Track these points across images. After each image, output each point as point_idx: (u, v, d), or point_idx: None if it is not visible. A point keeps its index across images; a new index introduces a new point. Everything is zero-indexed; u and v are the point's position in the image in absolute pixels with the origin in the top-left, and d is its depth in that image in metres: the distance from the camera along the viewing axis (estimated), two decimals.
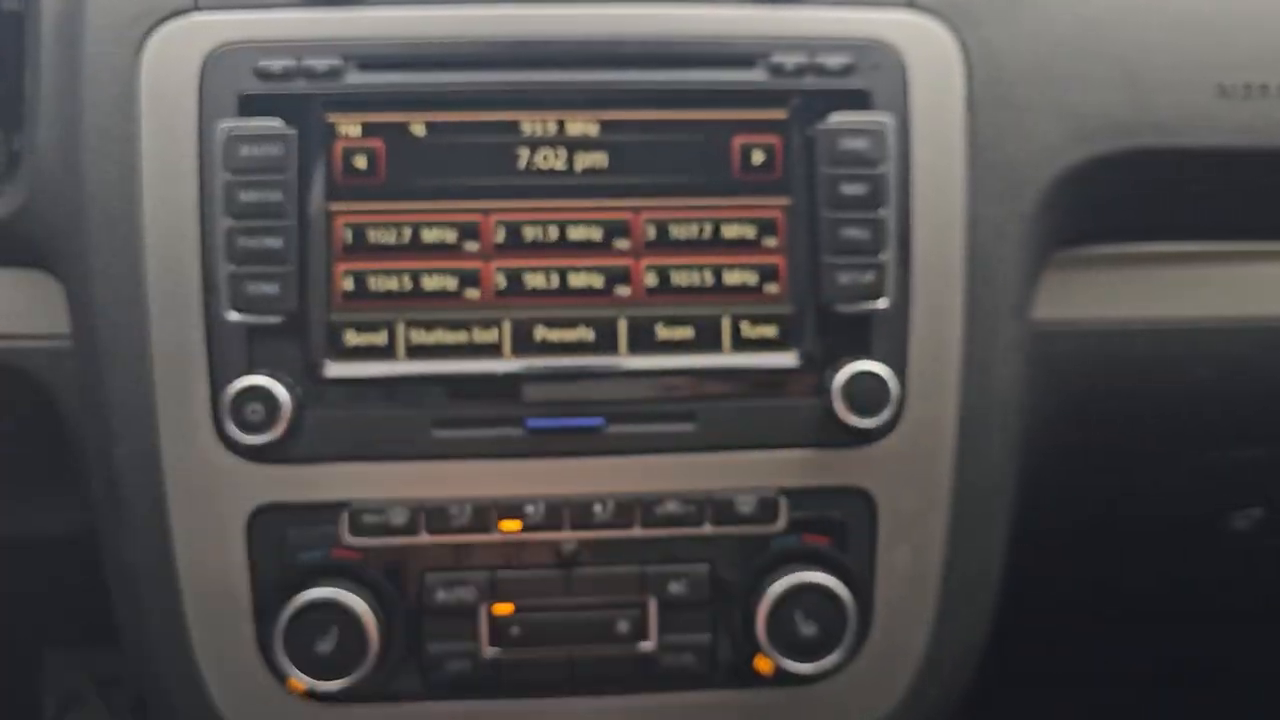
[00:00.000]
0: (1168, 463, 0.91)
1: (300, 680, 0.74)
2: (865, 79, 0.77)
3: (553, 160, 0.76)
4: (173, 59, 0.76)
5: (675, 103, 0.77)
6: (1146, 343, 0.84)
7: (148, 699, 0.80)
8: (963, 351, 0.77)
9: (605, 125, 0.77)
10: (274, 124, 0.75)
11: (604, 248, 0.76)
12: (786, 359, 0.76)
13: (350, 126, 0.76)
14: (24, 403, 0.82)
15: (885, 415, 0.74)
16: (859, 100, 0.77)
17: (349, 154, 0.76)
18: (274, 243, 0.75)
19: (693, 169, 0.77)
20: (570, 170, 0.76)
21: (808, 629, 0.75)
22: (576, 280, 0.76)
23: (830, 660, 0.75)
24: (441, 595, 0.76)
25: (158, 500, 0.75)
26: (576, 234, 0.76)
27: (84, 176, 0.75)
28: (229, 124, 0.75)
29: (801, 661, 0.75)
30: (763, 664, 0.77)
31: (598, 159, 0.76)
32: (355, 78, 0.76)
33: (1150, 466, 0.92)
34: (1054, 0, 0.81)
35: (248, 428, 0.73)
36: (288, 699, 0.75)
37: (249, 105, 0.75)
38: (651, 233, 0.76)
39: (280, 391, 0.73)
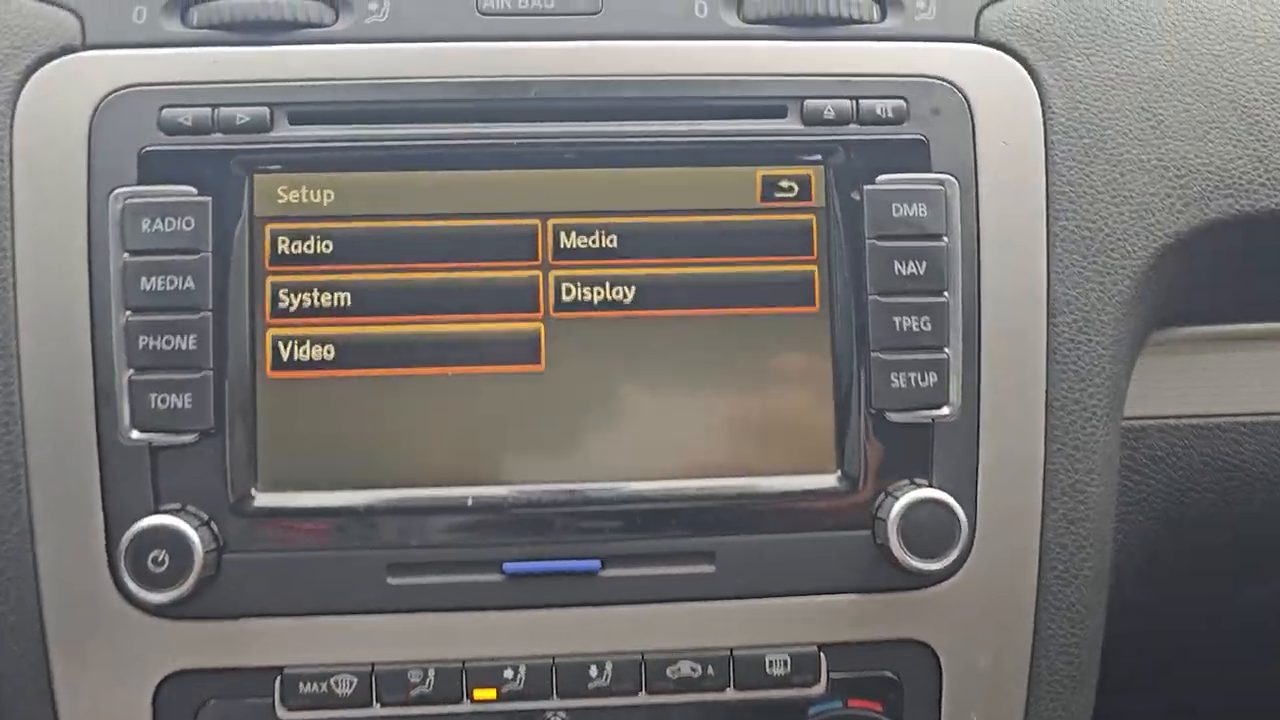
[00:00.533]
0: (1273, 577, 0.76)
1: None
2: (922, 127, 0.62)
3: (535, 239, 0.62)
4: (55, 108, 0.61)
5: (684, 159, 0.62)
6: (1256, 441, 0.69)
7: None
8: (1046, 470, 0.62)
9: (600, 189, 0.62)
10: (184, 190, 0.60)
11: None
12: (826, 480, 0.61)
13: (280, 192, 0.61)
14: None
15: (952, 556, 0.59)
16: (914, 155, 0.62)
17: (277, 234, 0.61)
18: (185, 341, 0.59)
19: (706, 247, 0.62)
20: (560, 247, 0.62)
21: None
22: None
23: None
24: None
25: (39, 667, 0.60)
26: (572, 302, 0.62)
27: None
28: (127, 190, 0.60)
29: None
30: None
31: (592, 239, 0.62)
32: (286, 131, 0.61)
33: (1255, 583, 0.77)
34: (1154, 26, 0.66)
35: (150, 581, 0.57)
36: None
37: (152, 166, 0.60)
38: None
39: (191, 535, 0.57)
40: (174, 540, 0.58)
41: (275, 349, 0.61)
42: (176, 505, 0.59)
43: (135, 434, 0.59)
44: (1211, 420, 0.69)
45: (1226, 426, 0.69)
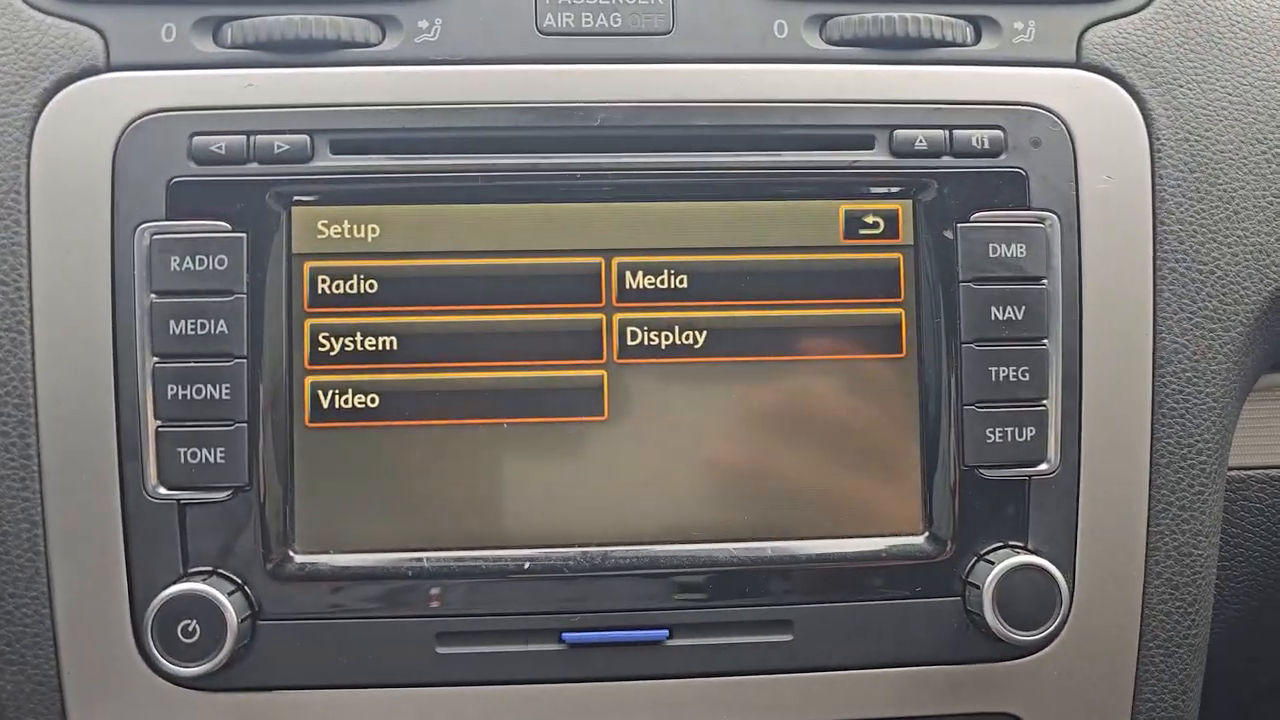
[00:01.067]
0: None
1: None
2: (1021, 160, 0.57)
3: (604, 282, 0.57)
4: (77, 134, 0.56)
5: (761, 192, 0.57)
6: None
7: None
8: (1149, 532, 0.57)
9: (669, 225, 0.57)
10: (216, 225, 0.55)
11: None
12: (914, 542, 0.57)
13: (321, 226, 0.56)
14: None
15: (1051, 626, 0.54)
16: (1013, 190, 0.57)
17: (317, 272, 0.56)
18: (217, 390, 0.55)
19: (783, 288, 0.57)
20: (625, 288, 0.57)
21: None
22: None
23: None
24: None
25: None
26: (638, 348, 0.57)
27: None
28: (154, 225, 0.55)
29: None
30: None
31: (660, 279, 0.57)
32: (328, 160, 0.56)
33: None
34: (1270, 51, 0.61)
35: (180, 654, 0.53)
36: None
37: (182, 198, 0.55)
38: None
39: (224, 602, 0.53)
40: (205, 608, 0.53)
41: (314, 398, 0.56)
42: (208, 569, 0.54)
43: (163, 491, 0.55)
44: None
45: None
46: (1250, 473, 0.64)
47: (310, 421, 0.56)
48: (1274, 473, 0.64)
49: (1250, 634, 0.69)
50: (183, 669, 0.53)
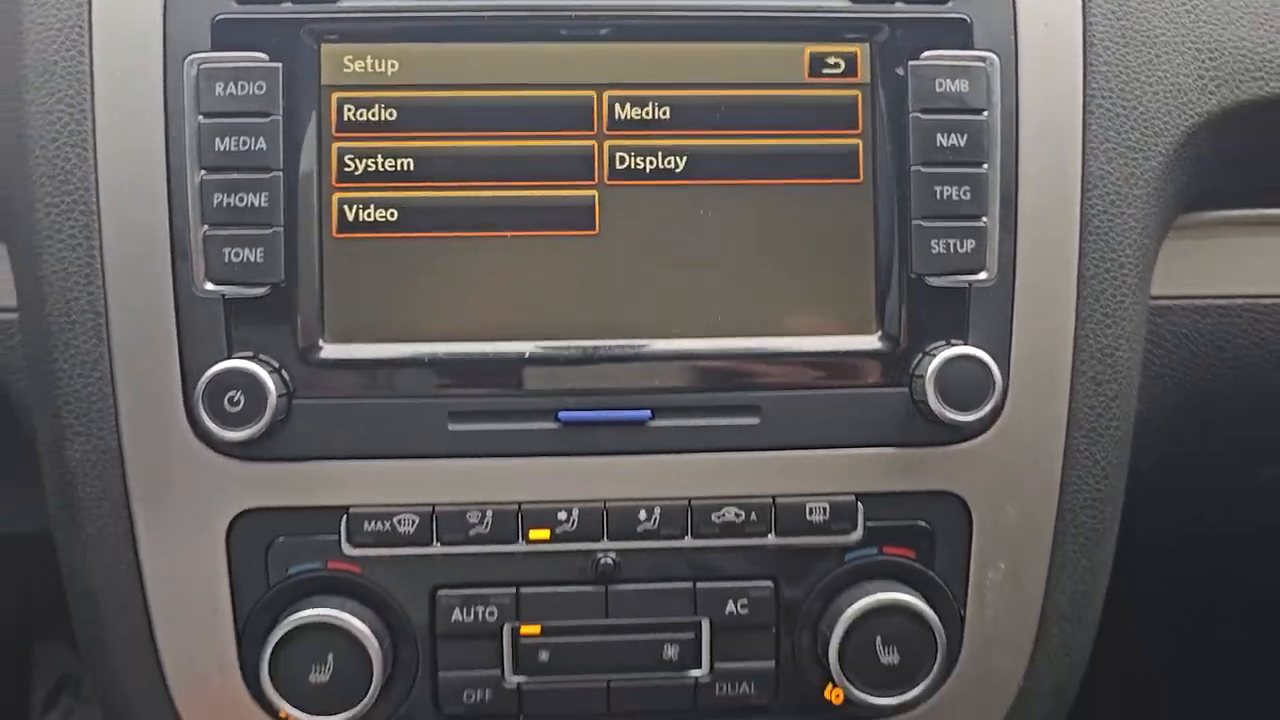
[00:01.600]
0: None
1: (292, 715, 0.63)
2: (965, 7, 0.65)
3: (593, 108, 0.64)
4: None
5: (736, 35, 0.65)
6: (1274, 321, 0.72)
7: None
8: (1076, 335, 0.65)
9: (654, 63, 0.64)
10: (255, 56, 0.62)
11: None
12: (868, 341, 0.64)
13: (347, 61, 0.64)
14: None
15: (986, 409, 0.62)
16: (958, 33, 0.64)
17: (343, 101, 0.63)
18: (257, 199, 0.62)
19: (755, 120, 0.64)
20: (615, 118, 0.64)
21: (888, 657, 0.64)
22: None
23: (913, 693, 0.64)
24: (458, 615, 0.64)
25: (120, 507, 0.63)
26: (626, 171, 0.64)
27: (26, 121, 0.63)
28: (201, 56, 0.62)
29: (880, 695, 0.64)
30: (835, 694, 0.66)
31: (645, 111, 0.64)
32: (353, 2, 0.63)
33: (1272, 463, 0.80)
34: None
35: (226, 420, 0.61)
36: None
37: (225, 33, 0.63)
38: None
39: (264, 377, 0.61)
40: (249, 382, 0.61)
41: (341, 211, 0.64)
42: (249, 354, 0.62)
43: (209, 286, 0.62)
44: (1233, 301, 0.72)
45: (1246, 307, 0.72)
46: (1173, 302, 0.72)
47: (337, 232, 0.64)
48: (1194, 302, 0.72)
49: (1178, 464, 0.77)
50: (229, 433, 0.61)
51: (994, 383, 0.62)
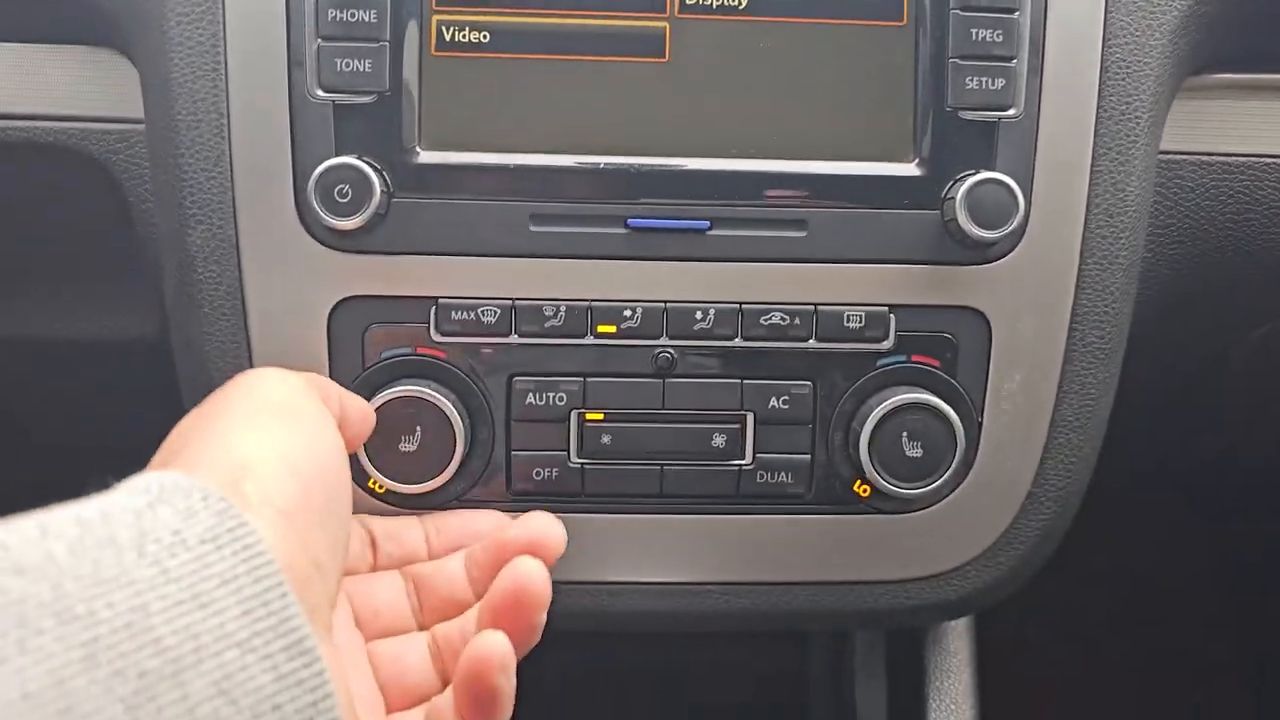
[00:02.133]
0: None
1: (380, 481, 0.71)
2: None
3: None
4: None
5: None
6: (1275, 179, 0.80)
7: None
8: (1093, 169, 0.72)
9: None
10: None
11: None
12: (906, 168, 0.72)
13: None
14: (89, 191, 0.78)
15: (1010, 227, 0.69)
16: None
17: None
18: (367, 15, 0.69)
19: None
20: None
21: (913, 451, 0.72)
22: None
23: (933, 485, 0.72)
24: (531, 400, 0.72)
25: (234, 289, 0.71)
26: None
27: None
28: None
29: (903, 485, 0.72)
30: (862, 489, 0.74)
31: None
32: None
33: (1259, 322, 0.87)
34: None
35: (336, 210, 0.68)
36: (369, 501, 0.72)
37: None
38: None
39: (370, 172, 0.68)
40: (356, 176, 0.68)
41: (439, 31, 0.71)
42: (354, 154, 0.70)
43: (320, 93, 0.70)
44: (1235, 158, 0.79)
45: (1248, 165, 0.79)
46: (1180, 156, 0.79)
47: (435, 50, 0.71)
48: (1202, 158, 0.79)
49: (1178, 316, 0.84)
50: (338, 222, 0.68)
51: (1017, 205, 0.69)
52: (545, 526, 0.67)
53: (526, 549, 0.65)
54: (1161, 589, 1.57)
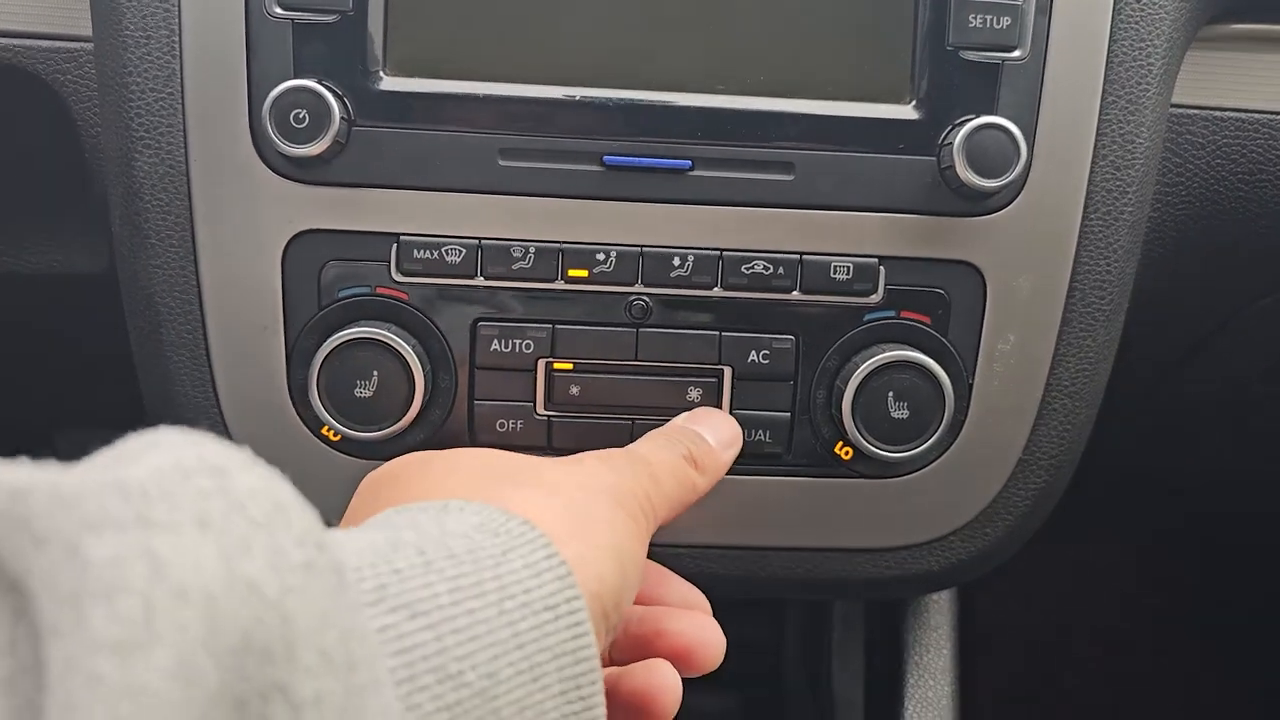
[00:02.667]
0: None
1: (334, 427, 0.67)
2: None
3: None
4: None
5: None
6: None
7: None
8: (1100, 118, 0.68)
9: None
10: None
11: None
12: (902, 110, 0.67)
13: None
14: (36, 114, 0.74)
15: (1010, 177, 0.65)
16: None
17: None
18: None
19: None
20: None
21: (899, 412, 0.68)
22: None
23: (919, 449, 0.68)
24: (496, 347, 0.68)
25: (184, 220, 0.66)
26: None
27: None
28: None
29: (888, 448, 0.68)
30: (844, 451, 0.70)
31: None
32: None
33: (1268, 292, 0.83)
34: None
35: (291, 136, 0.64)
36: (321, 448, 0.68)
37: None
38: None
39: (329, 97, 0.64)
40: (313, 101, 0.64)
41: None
42: (314, 78, 0.65)
43: (278, 10, 0.65)
44: (1250, 114, 0.75)
45: (1264, 121, 0.75)
46: (1193, 111, 0.75)
47: None
48: (1214, 113, 0.75)
49: (1189, 269, 0.80)
50: (293, 149, 0.64)
51: (1019, 153, 0.65)
52: (705, 640, 0.59)
53: (678, 653, 0.58)
54: (1143, 562, 1.55)
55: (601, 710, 0.45)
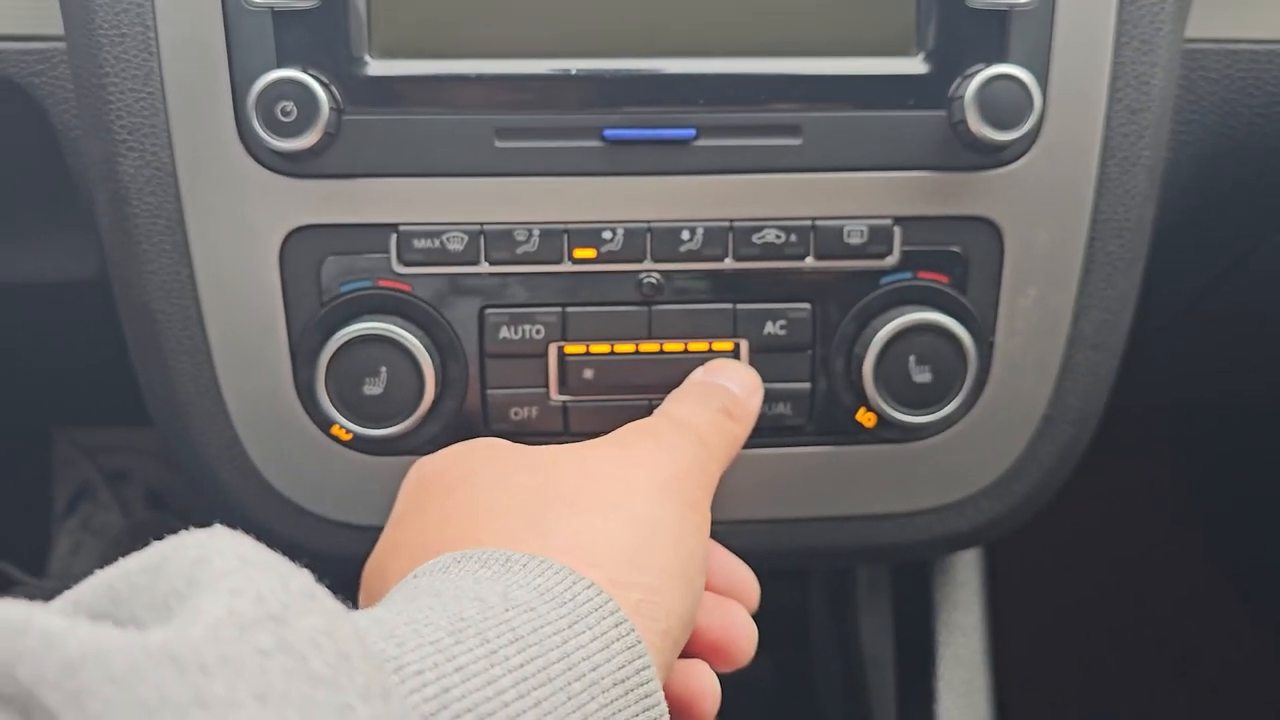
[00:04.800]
0: None
1: (346, 427, 0.65)
2: None
3: None
4: None
5: None
6: None
7: (175, 456, 0.71)
8: (1114, 60, 0.66)
9: None
10: None
11: None
12: (909, 64, 0.65)
13: None
14: (14, 120, 0.71)
15: (1024, 128, 0.63)
16: None
17: None
18: None
19: None
20: None
21: (921, 375, 0.66)
22: None
23: (944, 412, 0.67)
24: (505, 334, 0.66)
25: (175, 223, 0.64)
26: None
27: None
28: None
29: (912, 413, 0.67)
30: (867, 418, 0.69)
31: None
32: None
33: None
34: None
35: (279, 130, 0.61)
36: (334, 448, 0.67)
37: None
38: None
39: (316, 87, 0.61)
40: (300, 92, 0.61)
41: None
42: (298, 67, 0.63)
43: None
44: (1266, 46, 0.72)
45: (1278, 52, 0.73)
46: (1208, 45, 0.72)
47: None
48: (1227, 46, 0.72)
49: (1206, 210, 0.78)
50: (282, 143, 0.62)
51: (1033, 102, 0.63)
52: (738, 635, 0.58)
53: (711, 649, 0.57)
54: (1171, 509, 1.54)
55: None
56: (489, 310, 0.66)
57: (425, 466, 0.59)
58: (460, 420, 0.67)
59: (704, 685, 0.55)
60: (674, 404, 0.62)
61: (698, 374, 0.65)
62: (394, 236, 0.65)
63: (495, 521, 0.51)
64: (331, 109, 0.62)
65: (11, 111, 0.71)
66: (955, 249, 0.67)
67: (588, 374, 0.67)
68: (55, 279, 0.78)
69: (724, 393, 0.62)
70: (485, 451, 0.58)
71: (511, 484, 0.54)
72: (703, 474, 0.56)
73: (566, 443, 0.68)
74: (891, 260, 0.67)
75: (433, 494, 0.56)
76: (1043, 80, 0.65)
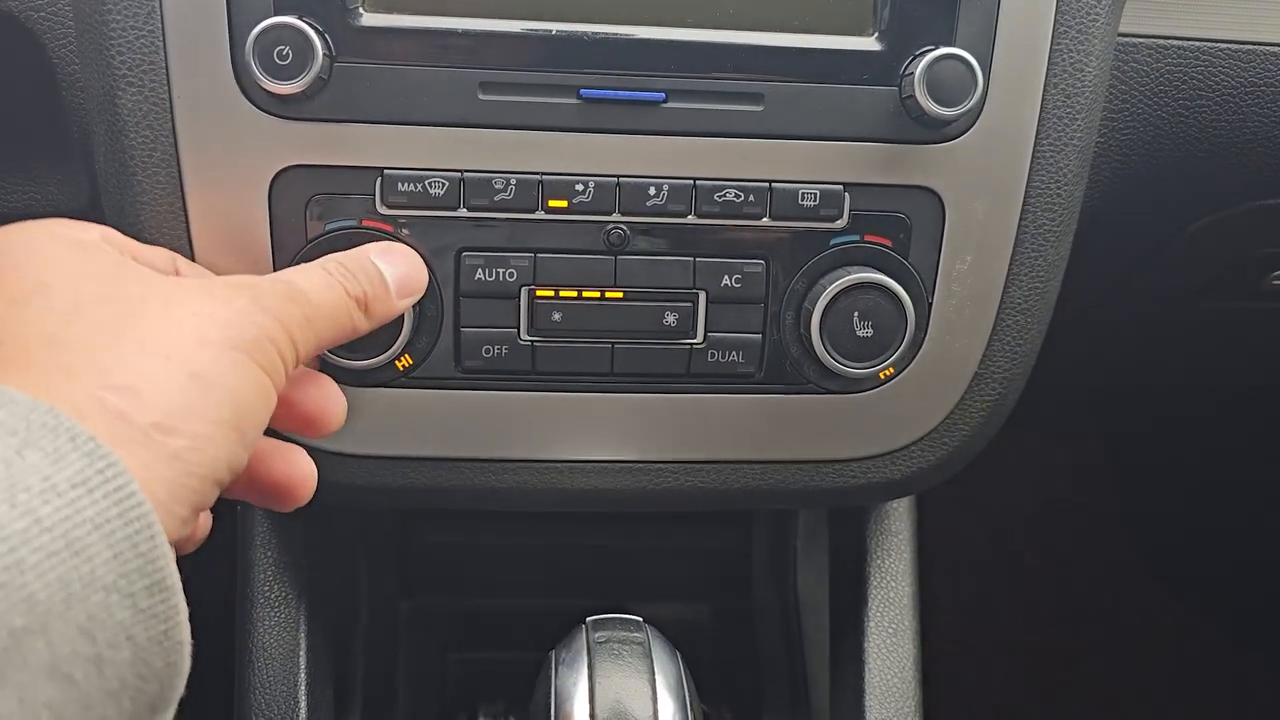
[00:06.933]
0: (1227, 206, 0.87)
1: (325, 357, 0.69)
2: None
3: None
4: None
5: None
6: (1228, 65, 0.79)
7: None
8: (1052, 48, 0.71)
9: None
10: None
11: None
12: (865, 42, 0.70)
13: None
14: (10, 52, 0.74)
15: (967, 105, 0.68)
16: None
17: None
18: None
19: None
20: None
21: (863, 330, 0.72)
22: None
23: (883, 364, 0.73)
24: (480, 275, 0.71)
25: (169, 156, 0.68)
26: None
27: None
28: None
29: (854, 365, 0.72)
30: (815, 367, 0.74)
31: None
32: None
33: (1206, 213, 0.88)
34: None
35: (275, 72, 0.65)
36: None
37: None
38: None
39: (311, 34, 0.65)
40: (296, 37, 0.65)
41: None
42: (295, 14, 0.66)
43: None
44: (1192, 43, 0.79)
45: (1204, 50, 0.79)
46: (1140, 40, 0.78)
47: None
48: (1159, 41, 0.78)
49: (1133, 193, 0.84)
50: (278, 86, 0.65)
51: (976, 82, 0.68)
52: (327, 406, 0.65)
53: (304, 421, 0.64)
54: (1088, 476, 1.63)
55: (164, 560, 0.45)
56: (466, 253, 0.70)
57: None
58: (434, 355, 0.72)
59: (302, 471, 0.62)
60: (313, 268, 0.62)
61: (371, 249, 0.66)
62: (379, 179, 0.69)
63: (48, 330, 0.51)
64: (325, 56, 0.66)
65: (6, 45, 0.74)
66: (900, 215, 0.72)
67: (556, 316, 0.72)
68: (41, 210, 0.81)
69: (375, 281, 0.63)
70: (70, 261, 0.55)
71: (78, 297, 0.53)
72: (289, 345, 0.56)
73: (535, 380, 0.73)
74: (841, 223, 0.72)
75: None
76: (986, 63, 0.70)
